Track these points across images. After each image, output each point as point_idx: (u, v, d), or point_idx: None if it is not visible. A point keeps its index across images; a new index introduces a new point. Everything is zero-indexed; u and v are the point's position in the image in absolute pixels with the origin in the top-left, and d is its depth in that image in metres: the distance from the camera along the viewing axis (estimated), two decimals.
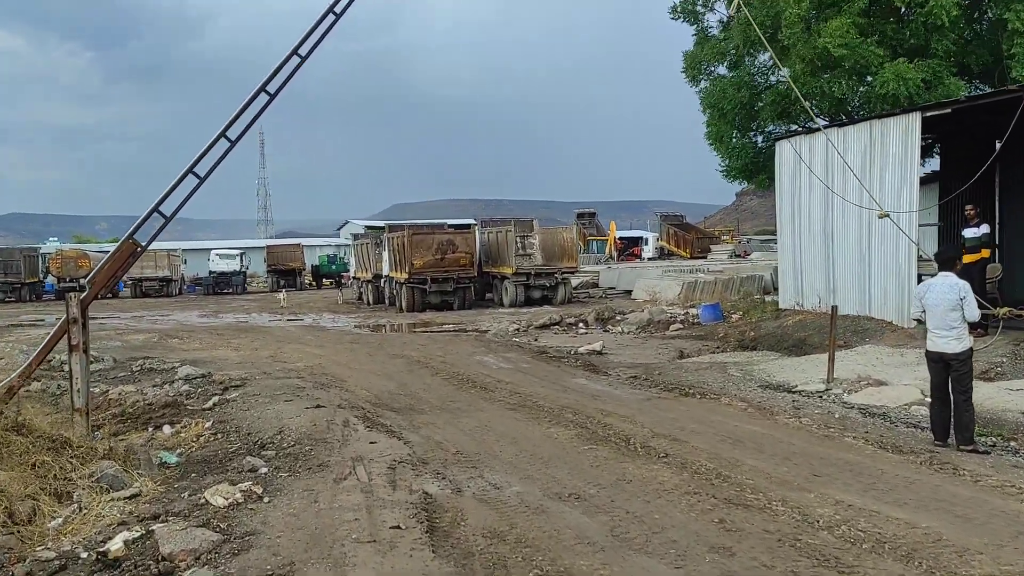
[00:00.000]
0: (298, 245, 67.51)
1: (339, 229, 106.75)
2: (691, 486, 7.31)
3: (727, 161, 23.51)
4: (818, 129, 17.81)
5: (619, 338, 21.35)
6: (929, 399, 10.79)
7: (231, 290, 58.59)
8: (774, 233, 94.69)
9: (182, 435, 11.05)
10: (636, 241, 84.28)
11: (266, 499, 7.45)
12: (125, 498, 7.89)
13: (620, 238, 79.64)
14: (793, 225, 18.95)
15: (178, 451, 10.10)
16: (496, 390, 13.03)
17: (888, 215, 12.18)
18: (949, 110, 14.17)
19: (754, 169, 22.88)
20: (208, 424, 11.23)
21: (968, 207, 14.05)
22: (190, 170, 11.08)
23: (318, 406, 11.79)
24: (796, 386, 12.20)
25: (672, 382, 13.26)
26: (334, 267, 64.40)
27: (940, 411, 8.81)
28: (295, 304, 41.48)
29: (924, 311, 9.00)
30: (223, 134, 11.16)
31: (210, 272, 59.43)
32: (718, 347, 18.83)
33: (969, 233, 14.12)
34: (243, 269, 61.71)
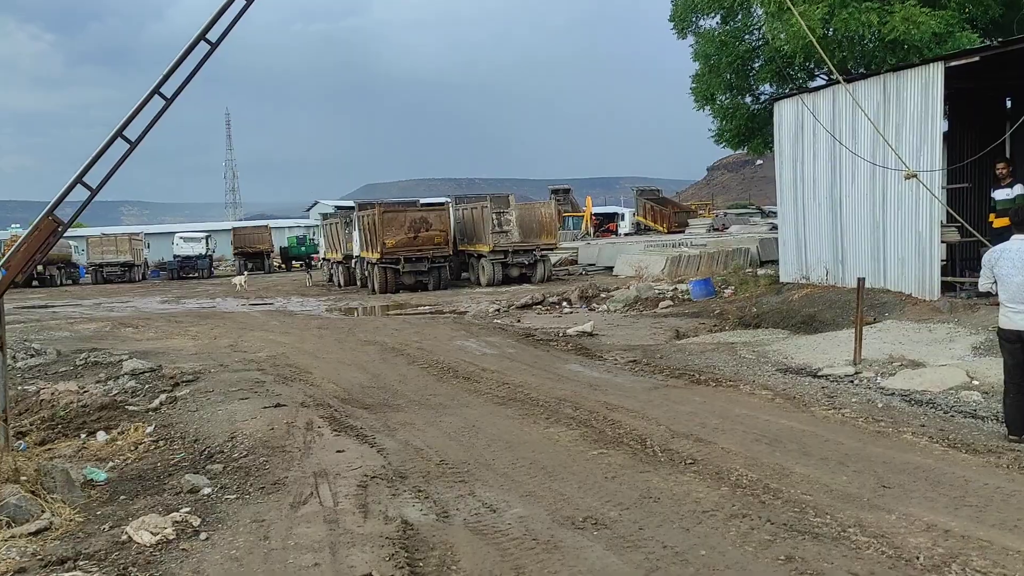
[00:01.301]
0: (266, 227, 65.44)
1: (309, 210, 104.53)
2: (736, 505, 5.88)
3: (718, 122, 21.91)
4: (823, 87, 16.39)
5: (607, 317, 19.93)
6: (977, 382, 9.50)
7: (197, 275, 56.53)
8: (747, 207, 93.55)
9: (118, 443, 9.47)
10: (612, 217, 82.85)
11: (204, 534, 5.92)
12: (29, 534, 6.33)
13: (595, 214, 78.24)
14: (795, 193, 17.56)
15: (110, 464, 8.54)
16: (481, 380, 11.55)
17: (916, 175, 10.81)
18: (977, 58, 12.77)
19: (747, 133, 21.36)
20: (149, 429, 9.66)
21: (1000, 165, 12.70)
22: (119, 134, 9.40)
23: (278, 405, 10.24)
24: (821, 369, 10.83)
25: (678, 367, 11.85)
26: (304, 249, 62.53)
27: (1017, 400, 7.44)
28: (262, 288, 39.71)
29: (995, 282, 7.61)
30: (156, 91, 9.50)
31: (175, 256, 57.31)
32: (716, 325, 17.45)
33: (1001, 195, 12.78)
34: (209, 253, 59.62)
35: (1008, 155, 15.45)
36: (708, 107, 22.01)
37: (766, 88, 21.06)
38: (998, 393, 8.28)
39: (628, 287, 25.05)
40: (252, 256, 59.94)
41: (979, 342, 11.34)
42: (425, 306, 25.17)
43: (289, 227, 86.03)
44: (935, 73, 13.44)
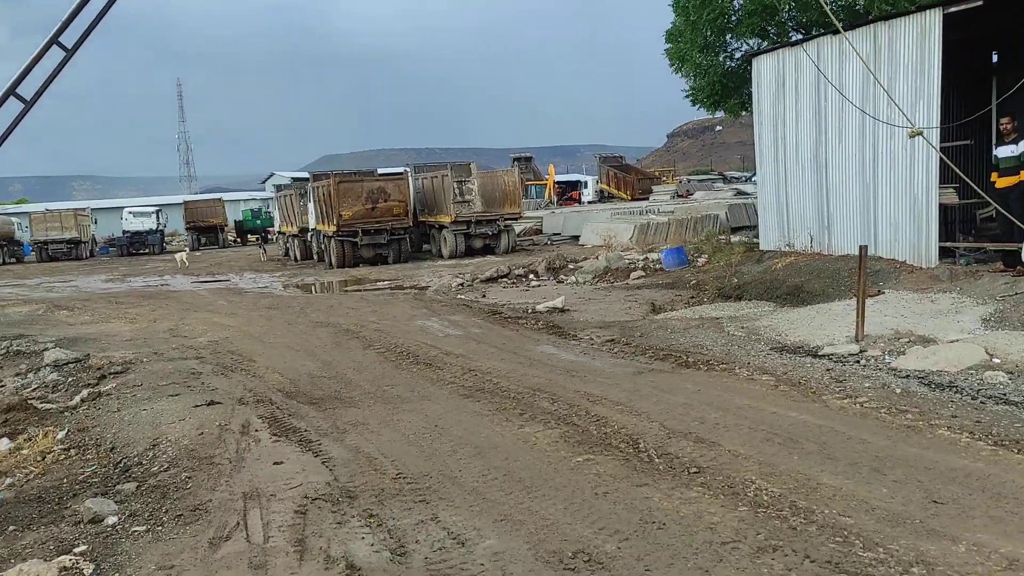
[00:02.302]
0: (219, 200, 63.25)
1: (264, 182, 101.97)
2: (760, 533, 4.77)
3: (692, 80, 20.64)
4: (807, 39, 15.27)
5: (577, 290, 18.80)
6: (998, 360, 8.51)
7: (148, 251, 54.42)
8: (709, 173, 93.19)
9: (23, 452, 8.18)
10: (575, 185, 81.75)
11: None
12: None
13: (558, 182, 77.08)
14: (776, 154, 16.48)
15: (8, 481, 7.26)
16: (445, 367, 10.35)
17: (921, 133, 9.73)
18: (980, 2, 11.68)
19: (723, 93, 20.19)
20: (61, 435, 8.36)
21: (1004, 120, 11.67)
22: (11, 91, 7.99)
23: (212, 402, 8.95)
24: (821, 348, 9.77)
25: (661, 346, 10.74)
26: (259, 222, 60.41)
27: None
28: (214, 264, 38.03)
29: None
30: (55, 40, 8.08)
31: (124, 232, 55.07)
32: (694, 297, 16.42)
33: (1004, 152, 11.77)
34: (160, 227, 57.45)
35: (994, 106, 14.50)
36: (683, 69, 20.81)
37: (743, 46, 19.85)
38: None
39: (597, 257, 23.96)
40: (205, 230, 57.87)
41: (988, 313, 10.37)
42: (384, 281, 23.87)
43: (244, 200, 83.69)
44: (932, 21, 12.37)
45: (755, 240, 23.34)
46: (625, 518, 5.13)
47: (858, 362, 9.02)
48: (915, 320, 10.47)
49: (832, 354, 9.38)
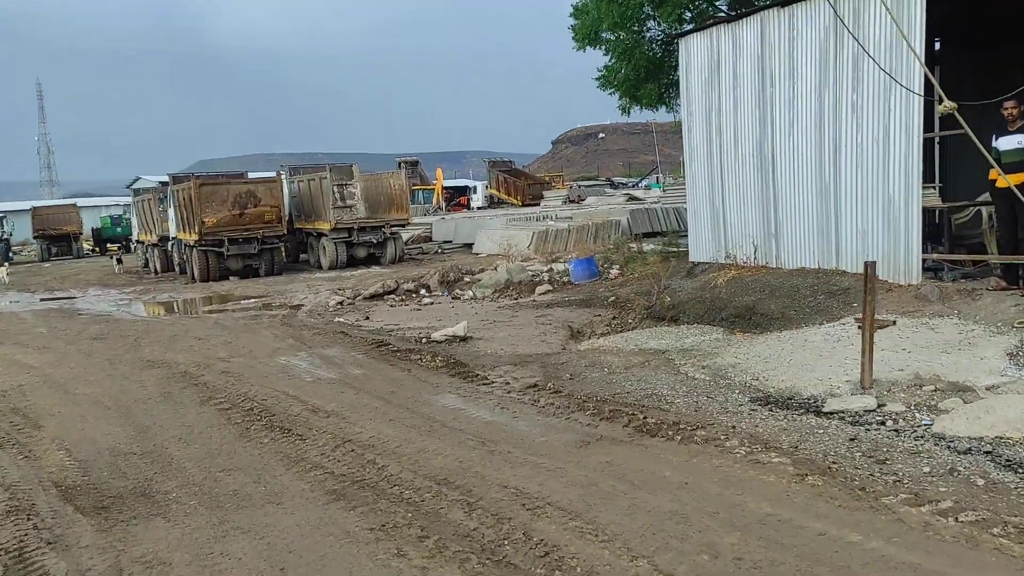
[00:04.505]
0: (73, 205, 57.64)
1: (130, 186, 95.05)
2: None
3: (610, 58, 17.99)
4: (748, 14, 12.93)
5: (477, 309, 16.01)
6: None
7: None
8: (595, 179, 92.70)
9: None
10: (463, 190, 79.10)
11: None
12: None
13: (446, 188, 74.37)
14: (709, 150, 14.11)
15: None
16: (309, 435, 7.37)
17: (956, 109, 7.43)
18: None
19: (637, 79, 17.67)
20: None
21: (1009, 104, 9.50)
22: None
23: None
24: (822, 399, 7.27)
25: (602, 396, 8.06)
26: (119, 230, 55.24)
27: None
28: (60, 277, 33.58)
29: None
30: None
31: None
32: (617, 319, 13.86)
33: (1008, 143, 9.58)
34: (5, 236, 51.71)
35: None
36: (592, 46, 18.23)
37: (654, 27, 17.40)
38: None
39: (496, 268, 21.24)
40: (57, 239, 52.44)
41: (1013, 346, 8.11)
42: (252, 298, 20.50)
43: (107, 206, 77.40)
44: None
45: (670, 249, 21.13)
46: None
47: (882, 423, 6.53)
48: (924, 356, 8.13)
49: (842, 411, 6.87)
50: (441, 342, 11.90)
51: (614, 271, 19.21)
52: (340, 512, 5.44)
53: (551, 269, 20.89)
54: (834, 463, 5.64)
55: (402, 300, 18.27)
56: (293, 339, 12.97)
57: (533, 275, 20.09)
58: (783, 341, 9.43)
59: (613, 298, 15.14)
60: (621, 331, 12.78)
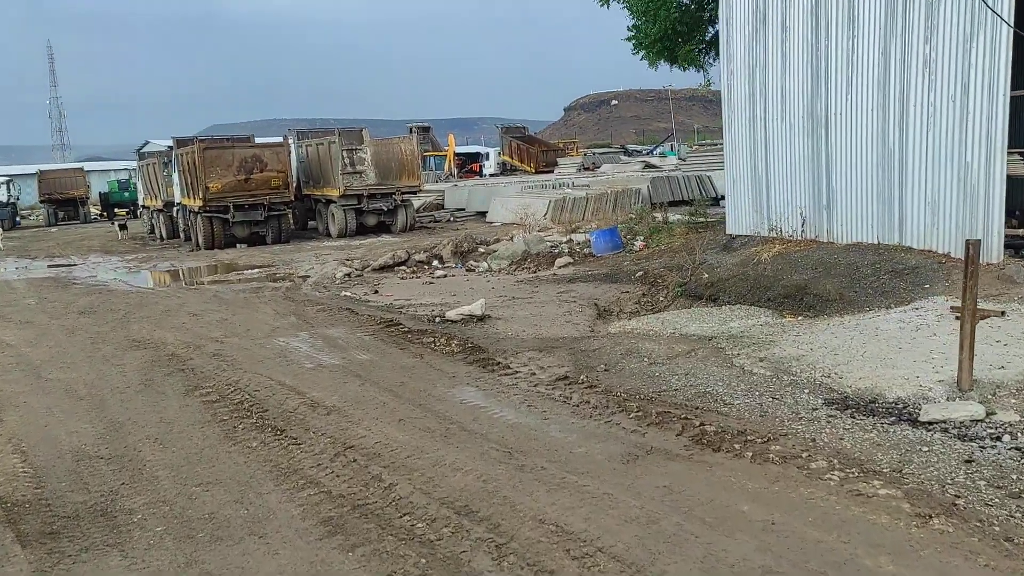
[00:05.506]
0: (80, 169, 56.52)
1: (139, 150, 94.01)
2: None
3: (638, 20, 16.59)
4: None
5: (494, 282, 14.89)
6: None
7: None
8: (609, 146, 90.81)
9: None
10: (475, 157, 77.57)
11: None
12: None
13: (458, 154, 72.83)
14: (752, 111, 12.84)
15: None
16: (305, 440, 6.28)
17: None
18: None
19: (674, 38, 16.30)
20: None
21: None
22: None
23: None
24: (912, 404, 6.11)
25: (645, 393, 6.92)
26: (127, 194, 53.95)
27: None
28: (64, 242, 32.57)
29: None
30: None
31: None
32: (646, 296, 12.76)
33: None
34: (12, 200, 50.71)
35: None
36: (615, 0, 16.82)
37: None
38: None
39: (512, 239, 20.09)
40: (63, 204, 51.39)
41: None
42: (256, 267, 19.41)
43: (116, 170, 76.24)
44: None
45: (698, 220, 19.83)
46: None
47: (998, 439, 5.36)
48: (1017, 348, 6.95)
49: (944, 421, 5.70)
50: (457, 322, 10.77)
51: (638, 243, 18.01)
52: (335, 553, 4.34)
53: (571, 240, 19.71)
54: (957, 497, 4.49)
55: (413, 272, 17.15)
56: (295, 316, 11.87)
57: (552, 246, 18.93)
58: (849, 328, 8.24)
59: (641, 273, 13.98)
60: (654, 311, 11.66)
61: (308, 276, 17.15)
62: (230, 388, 7.89)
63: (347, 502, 5.03)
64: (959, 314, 6.28)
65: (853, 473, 4.88)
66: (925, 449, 5.24)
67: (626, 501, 4.74)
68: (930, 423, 5.70)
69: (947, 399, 6.10)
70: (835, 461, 5.10)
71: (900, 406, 6.13)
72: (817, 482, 4.80)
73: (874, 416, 5.97)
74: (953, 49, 9.42)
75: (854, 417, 5.96)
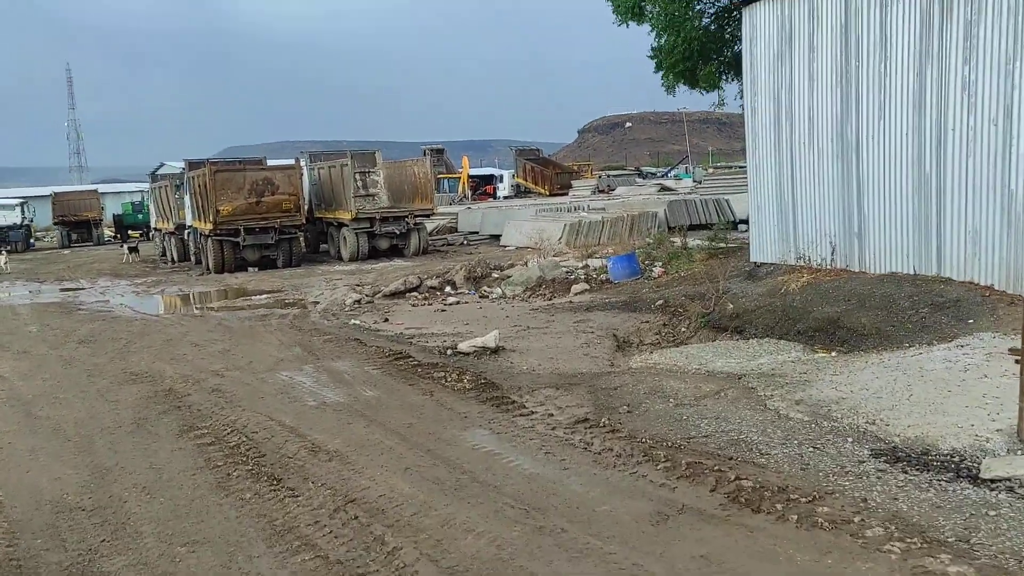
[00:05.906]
0: (93, 191, 56.56)
1: (154, 172, 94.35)
2: None
3: (660, 36, 16.07)
4: None
5: (507, 309, 14.41)
6: None
7: (9, 248, 47.61)
8: (624, 168, 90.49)
9: None
10: (489, 179, 77.31)
11: None
12: None
13: (472, 177, 72.57)
14: (777, 135, 12.34)
15: None
16: (303, 492, 5.77)
17: None
18: None
19: (696, 58, 15.83)
20: None
21: None
22: None
23: None
24: (968, 456, 5.55)
25: (673, 440, 6.38)
26: (141, 217, 53.94)
27: None
28: (75, 265, 32.37)
29: None
30: None
31: None
32: (666, 326, 12.22)
33: None
34: (26, 222, 50.71)
35: None
36: (635, 21, 16.40)
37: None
38: None
39: (526, 263, 19.63)
40: (76, 225, 51.40)
41: None
42: (265, 293, 19.00)
43: (130, 192, 76.39)
44: None
45: (718, 245, 19.30)
46: None
47: None
48: None
49: (1009, 479, 5.14)
50: (469, 355, 10.26)
51: (657, 269, 17.50)
52: None
53: (587, 265, 19.21)
54: None
55: (425, 299, 16.68)
56: (300, 347, 11.39)
57: (567, 272, 18.44)
58: (891, 368, 7.68)
59: (661, 301, 13.45)
60: (676, 343, 11.11)
61: (317, 302, 16.72)
62: (227, 429, 7.40)
63: (345, 570, 4.51)
64: (1018, 357, 5.72)
65: (915, 544, 4.32)
66: (992, 513, 4.68)
67: (658, 575, 4.20)
68: (994, 481, 5.14)
69: (1008, 451, 5.53)
70: (892, 528, 4.54)
71: (956, 459, 5.57)
72: (876, 555, 4.24)
73: (928, 471, 5.41)
74: (994, 70, 8.91)
75: (906, 472, 5.40)
